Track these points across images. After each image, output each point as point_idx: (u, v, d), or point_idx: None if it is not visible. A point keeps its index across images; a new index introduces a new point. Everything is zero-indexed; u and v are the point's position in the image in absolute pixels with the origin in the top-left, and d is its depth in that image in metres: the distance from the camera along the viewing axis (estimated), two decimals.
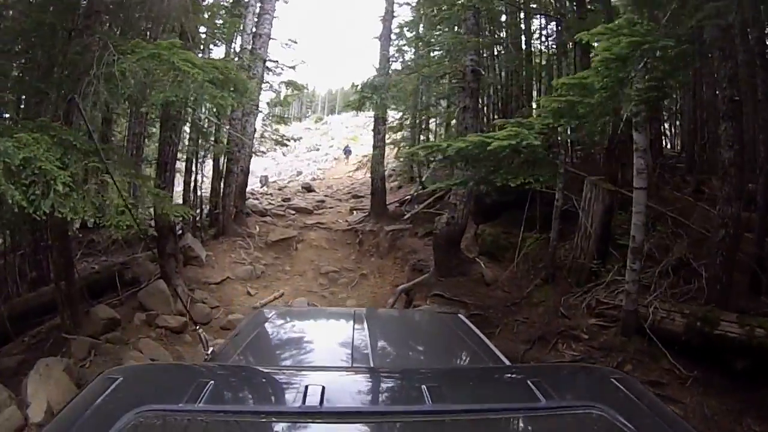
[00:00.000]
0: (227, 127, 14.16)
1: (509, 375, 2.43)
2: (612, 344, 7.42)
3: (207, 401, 1.59)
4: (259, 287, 12.86)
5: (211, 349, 3.28)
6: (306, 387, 1.67)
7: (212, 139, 14.06)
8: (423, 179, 17.39)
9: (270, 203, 20.38)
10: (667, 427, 1.57)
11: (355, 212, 18.30)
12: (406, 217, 15.37)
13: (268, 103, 17.96)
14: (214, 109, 13.29)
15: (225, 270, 13.07)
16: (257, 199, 21.12)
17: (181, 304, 10.65)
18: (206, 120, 13.43)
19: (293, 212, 18.56)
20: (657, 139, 12.59)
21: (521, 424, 1.68)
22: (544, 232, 10.34)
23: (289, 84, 17.61)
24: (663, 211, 9.23)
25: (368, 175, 20.49)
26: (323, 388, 1.66)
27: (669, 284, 8.00)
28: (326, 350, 3.41)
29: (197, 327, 3.86)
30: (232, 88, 7.36)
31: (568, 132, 6.97)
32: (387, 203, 17.13)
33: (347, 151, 35.08)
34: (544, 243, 10.18)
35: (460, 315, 4.31)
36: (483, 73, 10.57)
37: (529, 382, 1.80)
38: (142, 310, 10.43)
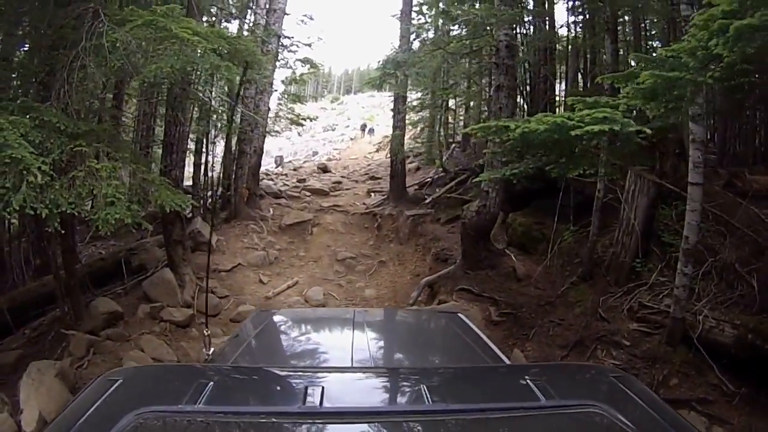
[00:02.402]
0: (239, 105, 13.13)
1: (509, 374, 2.39)
2: (656, 354, 6.60)
3: (207, 402, 1.57)
4: (272, 274, 11.97)
5: (211, 349, 3.24)
6: (306, 387, 1.67)
7: (223, 118, 13.02)
8: (444, 161, 16.19)
9: (285, 184, 19.39)
10: (667, 426, 1.53)
11: (372, 194, 17.25)
12: (427, 201, 14.25)
13: (283, 81, 16.91)
14: (225, 87, 12.36)
15: (236, 256, 12.19)
16: (272, 179, 20.17)
17: (188, 294, 9.87)
18: (217, 98, 12.41)
19: (309, 194, 17.55)
20: None
21: (521, 424, 1.60)
22: (578, 223, 9.42)
23: (305, 61, 16.61)
24: (705, 207, 8.21)
25: (386, 156, 19.53)
26: (323, 388, 1.65)
27: (717, 290, 7.14)
28: (326, 350, 3.33)
29: (205, 328, 3.58)
30: (241, 62, 6.34)
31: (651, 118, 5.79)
32: (406, 186, 16.05)
33: (367, 129, 33.72)
34: (579, 236, 9.24)
35: (459, 314, 4.13)
36: (520, 48, 9.42)
37: (528, 381, 1.80)
38: (146, 301, 9.64)
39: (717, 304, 6.92)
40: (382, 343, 3.45)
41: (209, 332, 3.51)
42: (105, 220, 5.23)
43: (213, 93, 12.07)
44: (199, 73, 5.71)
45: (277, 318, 4.06)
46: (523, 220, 10.12)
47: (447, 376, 2.21)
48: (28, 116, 5.34)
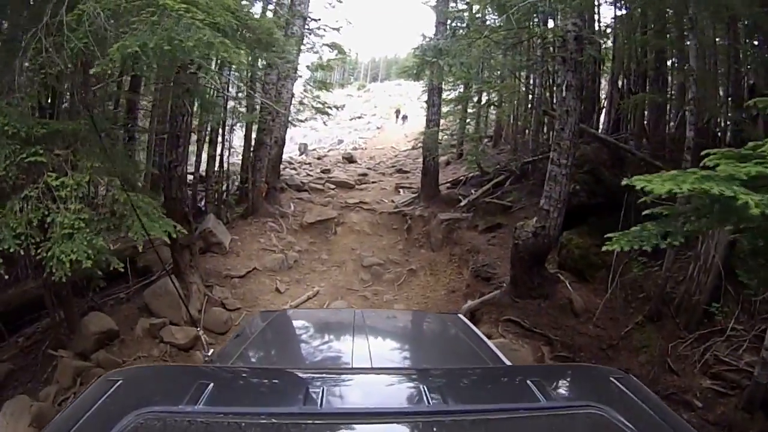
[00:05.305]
0: (256, 92, 11.51)
1: (509, 375, 2.30)
2: (732, 420, 5.52)
3: (207, 403, 1.52)
4: (290, 281, 10.47)
5: (211, 350, 2.96)
6: (306, 388, 1.65)
7: (241, 105, 11.47)
8: (474, 158, 14.27)
9: (308, 174, 17.93)
10: (667, 427, 1.49)
11: (401, 191, 15.60)
12: (462, 204, 12.53)
13: (308, 67, 15.30)
14: (247, 72, 10.81)
15: (251, 259, 10.72)
16: (295, 168, 18.79)
17: (194, 307, 8.49)
18: (234, 84, 10.85)
19: (333, 187, 15.97)
20: None
21: (521, 425, 1.52)
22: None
23: (332, 47, 15.04)
24: None
25: (413, 147, 18.02)
26: (324, 389, 1.64)
27: None
28: (326, 351, 3.26)
29: (198, 329, 3.57)
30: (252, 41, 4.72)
31: None
32: (439, 184, 14.37)
33: (401, 115, 32.39)
34: (644, 265, 7.73)
35: (459, 315, 4.04)
36: (597, 40, 7.68)
37: (529, 382, 1.72)
38: (147, 313, 8.35)
39: None
40: (382, 344, 3.38)
41: (203, 332, 3.41)
42: (59, 259, 3.70)
43: (229, 77, 10.52)
44: (189, 49, 4.00)
45: (278, 319, 3.89)
46: (579, 241, 8.39)
47: (447, 376, 2.04)
48: None
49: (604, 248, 3.50)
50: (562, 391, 1.84)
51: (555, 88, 13.04)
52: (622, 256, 7.82)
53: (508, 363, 2.82)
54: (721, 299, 6.60)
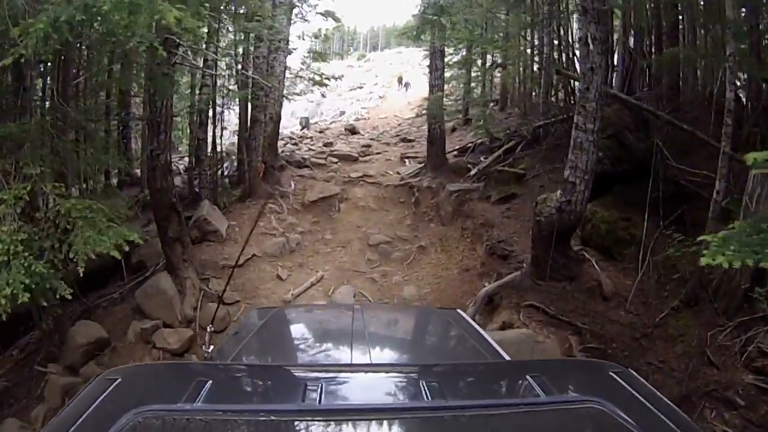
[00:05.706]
0: (245, 68, 10.60)
1: (509, 370, 2.27)
2: None
3: (206, 400, 1.50)
4: (292, 266, 9.72)
5: (211, 347, 2.95)
6: (305, 385, 1.64)
7: (230, 83, 10.57)
8: (482, 124, 13.22)
9: (310, 149, 16.99)
10: (667, 421, 1.45)
11: (407, 161, 14.61)
12: (472, 173, 11.60)
13: (299, 37, 14.31)
14: (240, 48, 9.84)
15: (250, 245, 9.87)
16: (296, 144, 17.91)
17: (188, 305, 7.80)
18: (220, 59, 9.95)
19: (335, 160, 15.01)
20: None
21: (521, 420, 1.47)
22: (668, 219, 7.24)
23: (326, 14, 14.02)
24: None
25: (417, 114, 17.25)
26: (322, 385, 1.63)
27: None
28: (325, 348, 3.21)
29: (210, 327, 3.30)
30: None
31: None
32: (446, 152, 13.36)
33: (403, 82, 31.57)
34: (674, 241, 6.94)
35: (458, 310, 3.77)
36: None
37: (529, 377, 1.72)
38: (140, 315, 7.67)
39: None
40: (381, 340, 3.23)
41: (213, 328, 3.24)
42: None
43: (210, 54, 9.57)
44: (105, 14, 3.12)
45: (276, 315, 3.77)
46: (605, 214, 7.49)
47: (446, 372, 2.05)
48: None
49: (703, 262, 2.63)
50: (562, 386, 1.76)
51: (563, 46, 12.11)
52: (653, 231, 7.05)
53: (508, 358, 2.75)
54: (754, 280, 5.89)
